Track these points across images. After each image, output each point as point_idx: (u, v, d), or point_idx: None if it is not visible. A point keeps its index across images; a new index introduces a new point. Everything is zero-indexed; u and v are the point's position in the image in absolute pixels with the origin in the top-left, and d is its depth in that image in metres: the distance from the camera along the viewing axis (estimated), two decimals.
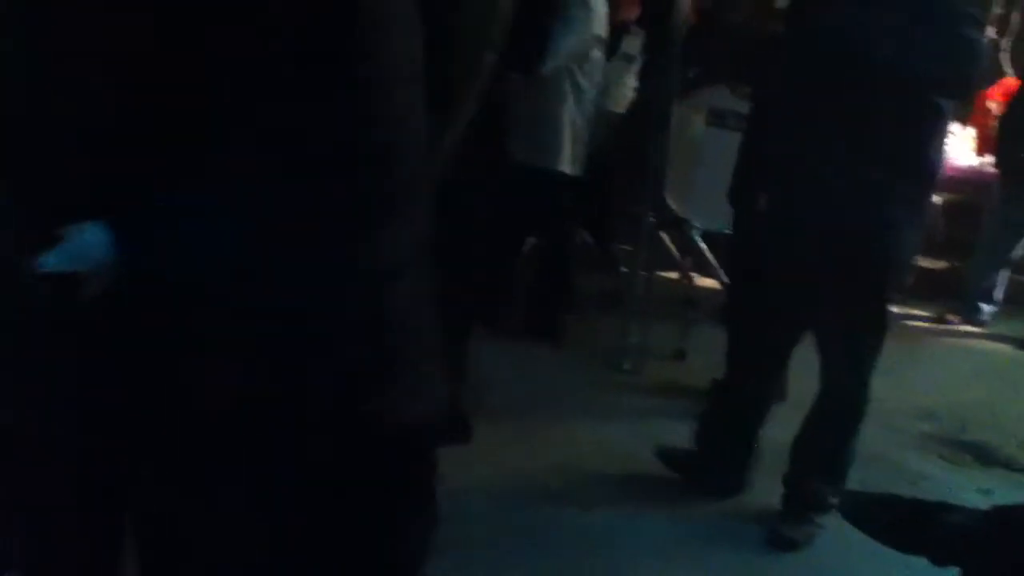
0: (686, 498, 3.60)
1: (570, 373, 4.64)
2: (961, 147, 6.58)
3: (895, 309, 3.72)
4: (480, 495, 3.36)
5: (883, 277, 3.27)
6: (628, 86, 5.58)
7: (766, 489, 3.54)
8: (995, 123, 6.58)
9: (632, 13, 5.41)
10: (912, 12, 3.00)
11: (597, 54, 4.70)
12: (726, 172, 4.36)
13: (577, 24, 4.49)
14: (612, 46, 5.09)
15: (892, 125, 3.10)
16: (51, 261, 1.48)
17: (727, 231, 5.00)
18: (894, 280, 3.33)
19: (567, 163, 4.64)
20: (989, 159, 6.51)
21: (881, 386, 3.42)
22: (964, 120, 6.64)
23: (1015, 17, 7.17)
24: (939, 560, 2.21)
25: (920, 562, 2.19)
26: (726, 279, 5.21)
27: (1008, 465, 4.13)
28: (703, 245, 5.20)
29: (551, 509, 3.41)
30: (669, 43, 4.57)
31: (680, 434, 3.78)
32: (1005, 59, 6.95)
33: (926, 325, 6.01)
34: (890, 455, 4.05)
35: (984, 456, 4.19)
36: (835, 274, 3.22)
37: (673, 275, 5.57)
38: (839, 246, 3.17)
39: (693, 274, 5.52)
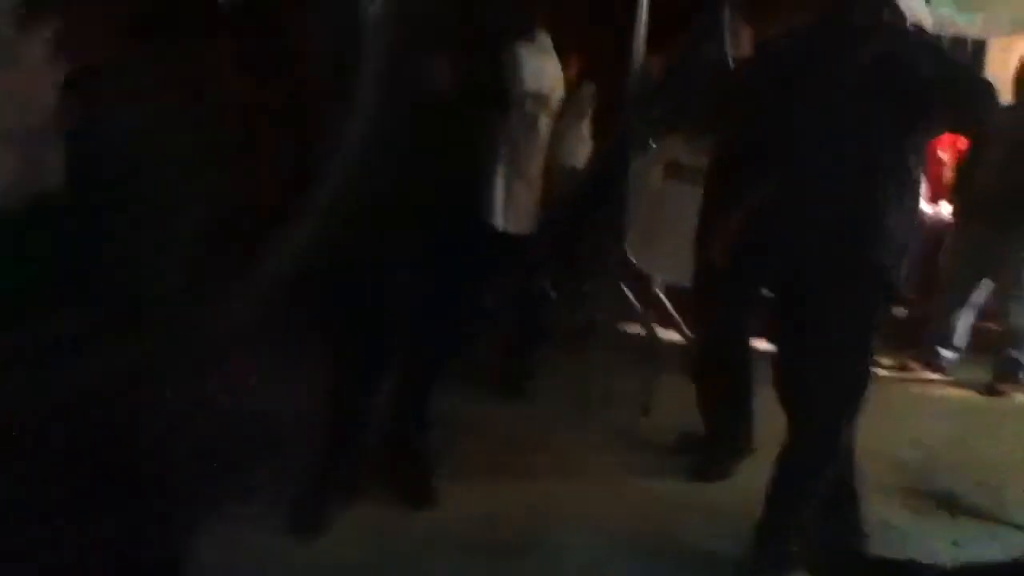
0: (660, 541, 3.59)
1: (534, 425, 4.61)
2: None
3: None
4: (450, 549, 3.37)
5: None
6: (583, 140, 5.60)
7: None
8: (947, 171, 6.67)
9: (577, 68, 5.44)
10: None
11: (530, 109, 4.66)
12: (685, 226, 4.41)
13: None
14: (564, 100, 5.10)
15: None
16: None
17: (687, 284, 5.05)
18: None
19: (501, 219, 4.58)
20: (944, 207, 6.59)
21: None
22: None
23: None
24: None
25: None
26: (690, 334, 5.22)
27: (975, 514, 4.11)
28: (664, 299, 5.18)
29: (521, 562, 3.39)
30: (621, 96, 4.58)
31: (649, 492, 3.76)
32: None
33: (888, 374, 6.01)
34: None
35: (951, 505, 4.16)
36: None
37: (636, 328, 5.55)
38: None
39: (655, 327, 5.50)
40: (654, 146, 5.02)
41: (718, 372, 4.23)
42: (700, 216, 4.08)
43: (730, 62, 4.23)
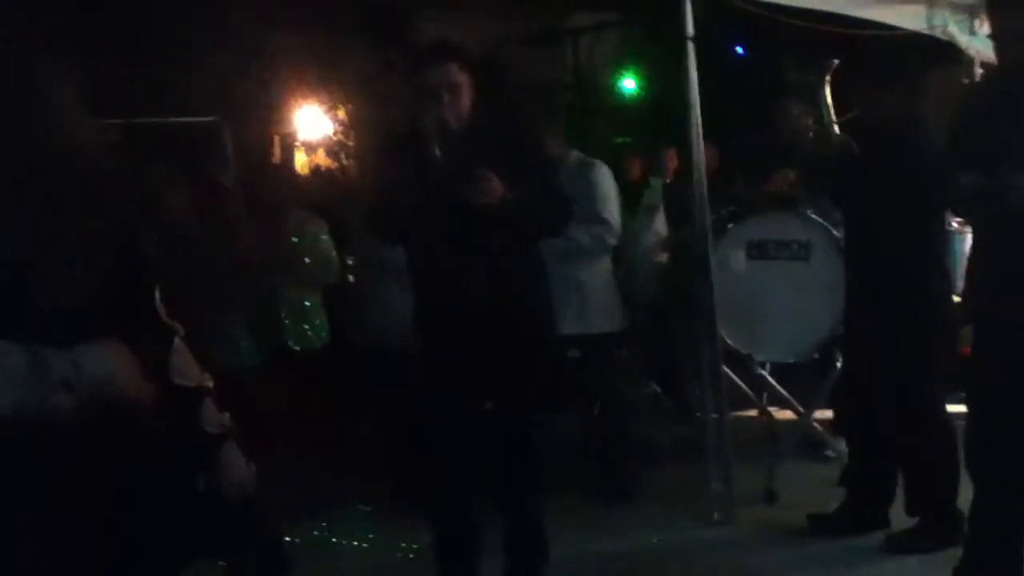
0: None
1: (653, 533, 4.44)
2: None
3: None
4: None
5: None
6: (659, 233, 5.61)
7: None
8: None
9: (641, 168, 5.50)
10: None
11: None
12: (777, 302, 4.33)
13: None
14: (633, 200, 5.15)
15: None
16: None
17: (790, 360, 4.93)
18: None
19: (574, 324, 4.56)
20: None
21: None
22: None
23: None
24: None
25: None
26: (802, 410, 5.07)
27: None
28: (770, 378, 5.05)
29: None
30: (689, 187, 4.56)
31: None
32: None
33: None
34: None
35: None
36: None
37: (751, 413, 5.41)
38: None
39: (771, 408, 5.36)
40: (731, 227, 4.98)
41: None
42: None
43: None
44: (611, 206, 4.73)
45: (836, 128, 4.21)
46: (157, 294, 2.17)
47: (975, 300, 3.40)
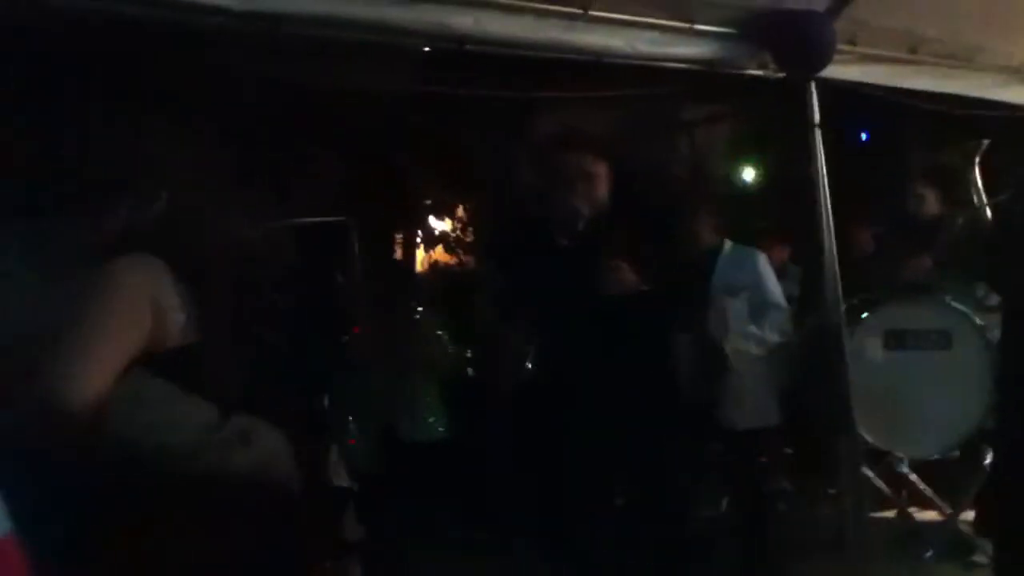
0: None
1: None
2: None
3: None
4: None
5: None
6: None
7: None
8: None
9: (781, 256, 5.38)
10: None
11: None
12: (917, 394, 4.13)
13: None
14: None
15: None
16: None
17: (933, 456, 4.67)
18: None
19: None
20: None
21: None
22: None
23: None
24: None
25: None
26: (949, 508, 4.80)
27: None
28: (913, 476, 4.80)
29: None
30: (823, 275, 4.42)
31: None
32: None
33: None
34: None
35: None
36: None
37: (889, 513, 5.13)
38: None
39: (911, 509, 5.08)
40: (866, 316, 4.80)
41: None
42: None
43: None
44: (780, 292, 4.62)
45: (988, 211, 4.04)
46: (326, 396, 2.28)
47: None
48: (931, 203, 4.93)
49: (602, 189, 3.43)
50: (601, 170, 3.44)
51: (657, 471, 3.39)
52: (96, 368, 1.84)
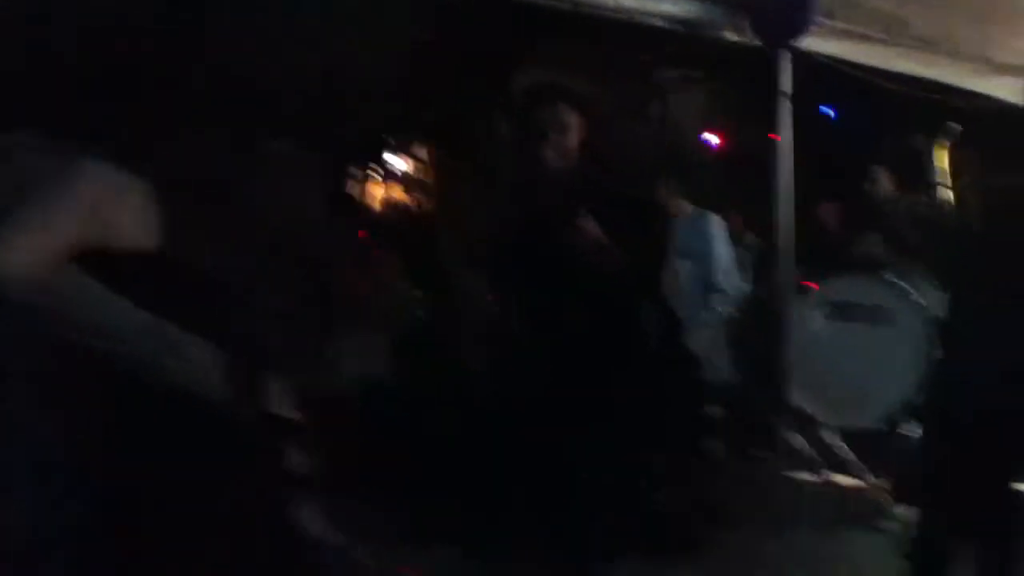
0: None
1: None
2: None
3: None
4: None
5: None
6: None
7: None
8: None
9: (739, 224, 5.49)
10: None
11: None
12: (852, 366, 4.26)
13: None
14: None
15: None
16: None
17: (864, 426, 4.84)
18: None
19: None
20: None
21: None
22: None
23: None
24: None
25: None
26: (872, 478, 4.97)
27: None
28: (841, 443, 4.96)
29: None
30: (777, 245, 4.54)
31: None
32: None
33: None
34: None
35: None
36: None
37: (813, 478, 5.30)
38: None
39: (835, 475, 5.25)
40: (815, 289, 4.93)
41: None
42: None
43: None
44: (730, 258, 4.70)
45: (947, 197, 4.16)
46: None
47: None
48: (889, 183, 5.04)
49: (574, 141, 3.46)
50: (574, 122, 3.46)
51: (610, 427, 3.46)
52: (29, 242, 1.88)
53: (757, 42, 4.41)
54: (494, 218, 3.44)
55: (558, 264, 3.31)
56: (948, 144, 4.33)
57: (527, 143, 3.43)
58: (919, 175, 4.49)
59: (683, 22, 4.29)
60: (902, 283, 4.80)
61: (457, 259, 3.80)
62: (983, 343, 3.84)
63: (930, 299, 4.66)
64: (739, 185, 6.19)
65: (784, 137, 4.51)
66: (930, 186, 4.42)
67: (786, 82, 4.47)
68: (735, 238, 5.95)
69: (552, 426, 3.37)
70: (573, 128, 3.44)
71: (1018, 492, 3.87)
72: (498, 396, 3.53)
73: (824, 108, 7.28)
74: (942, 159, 4.36)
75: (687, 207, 4.75)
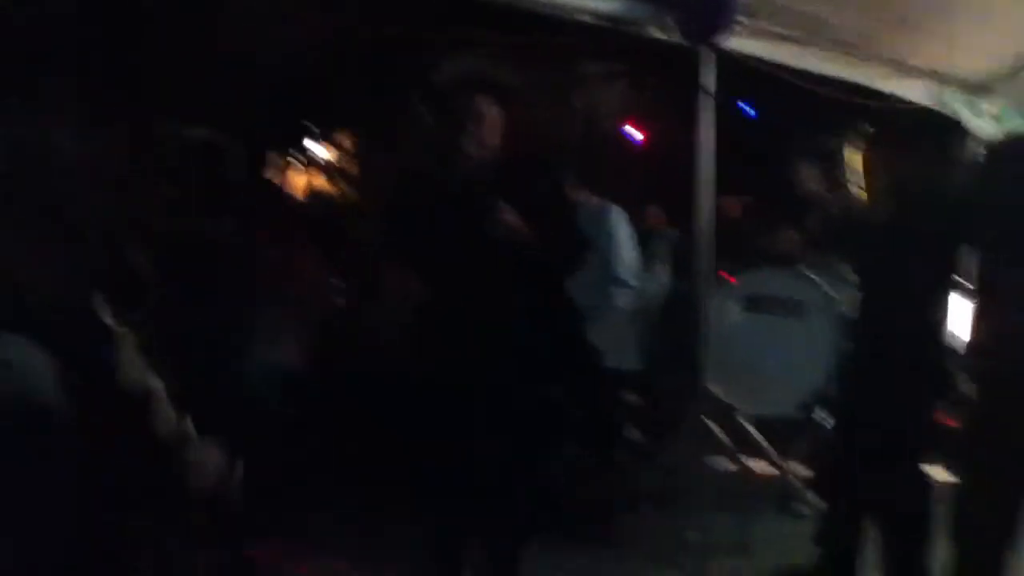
0: None
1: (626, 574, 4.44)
2: None
3: None
4: None
5: None
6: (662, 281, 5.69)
7: None
8: None
9: (659, 222, 5.59)
10: None
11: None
12: (770, 356, 4.38)
13: None
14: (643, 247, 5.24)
15: None
16: None
17: (774, 414, 4.98)
18: None
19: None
20: None
21: None
22: None
23: None
24: None
25: None
26: (785, 464, 5.12)
27: None
28: (753, 430, 5.10)
29: None
30: (697, 240, 4.64)
31: None
32: None
33: None
34: None
35: None
36: None
37: (726, 463, 5.44)
38: None
39: (748, 460, 5.40)
40: (733, 281, 5.05)
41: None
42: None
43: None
44: (627, 258, 4.77)
45: (861, 192, 4.29)
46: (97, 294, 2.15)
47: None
48: (807, 181, 5.17)
49: (495, 133, 3.49)
50: (495, 113, 3.50)
51: (514, 414, 3.50)
52: None
53: (681, 39, 4.48)
54: (413, 207, 3.45)
55: (478, 253, 3.34)
56: (861, 143, 4.46)
57: (446, 133, 3.44)
58: (833, 172, 4.61)
59: (609, 17, 4.34)
60: (815, 276, 4.95)
61: (377, 247, 3.80)
62: (888, 334, 4.00)
63: (840, 292, 4.80)
64: (660, 179, 6.30)
65: (705, 133, 4.60)
66: (842, 183, 4.54)
67: (708, 79, 4.56)
68: (656, 230, 6.07)
69: (470, 414, 3.41)
70: (493, 119, 3.47)
71: (924, 475, 4.03)
72: (419, 385, 3.55)
73: (744, 105, 7.43)
74: (855, 157, 4.48)
75: (591, 198, 4.81)
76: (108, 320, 2.12)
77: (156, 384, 2.18)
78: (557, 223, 3.49)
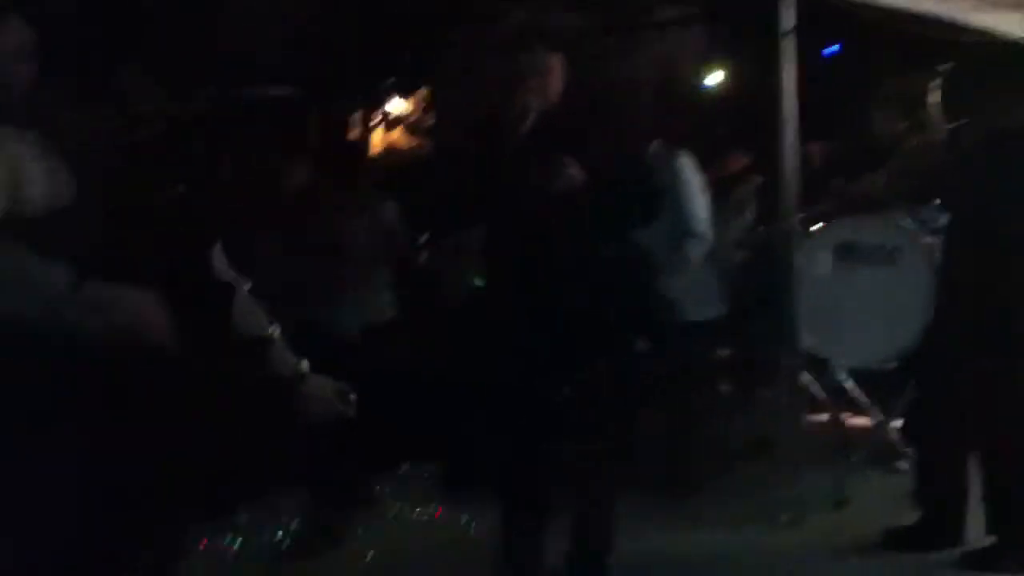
0: None
1: (718, 530, 4.39)
2: None
3: None
4: None
5: None
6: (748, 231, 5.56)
7: None
8: None
9: (738, 165, 5.45)
10: None
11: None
12: (861, 307, 4.24)
13: None
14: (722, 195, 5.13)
15: None
16: None
17: (872, 366, 4.84)
18: None
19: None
20: None
21: None
22: None
23: None
24: None
25: None
26: (879, 416, 4.99)
27: None
28: (851, 383, 4.97)
29: None
30: (781, 186, 4.50)
31: None
32: None
33: None
34: None
35: None
36: None
37: (822, 417, 5.32)
38: None
39: (844, 415, 5.27)
40: (817, 228, 4.91)
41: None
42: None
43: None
44: (695, 208, 4.66)
45: (949, 133, 4.12)
46: (217, 248, 2.27)
47: None
48: (889, 122, 5.00)
49: (555, 86, 3.40)
50: (557, 65, 3.41)
51: (603, 371, 3.45)
52: None
53: None
54: (473, 164, 3.40)
55: (541, 209, 3.28)
56: (947, 80, 4.28)
57: (508, 89, 3.37)
58: (917, 113, 4.44)
59: None
60: (907, 224, 4.79)
61: (440, 203, 3.77)
62: (982, 279, 3.83)
63: (933, 240, 4.64)
64: (743, 125, 6.15)
65: (787, 76, 4.46)
66: (930, 124, 4.36)
67: (788, 20, 4.40)
68: (740, 177, 5.92)
69: (549, 370, 3.37)
70: (553, 72, 3.38)
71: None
72: (492, 340, 3.51)
73: (826, 48, 7.21)
74: (936, 96, 4.31)
75: (661, 147, 4.68)
76: (227, 271, 2.29)
77: (273, 331, 2.34)
78: (623, 175, 3.40)
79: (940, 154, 4.18)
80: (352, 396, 2.46)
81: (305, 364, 2.39)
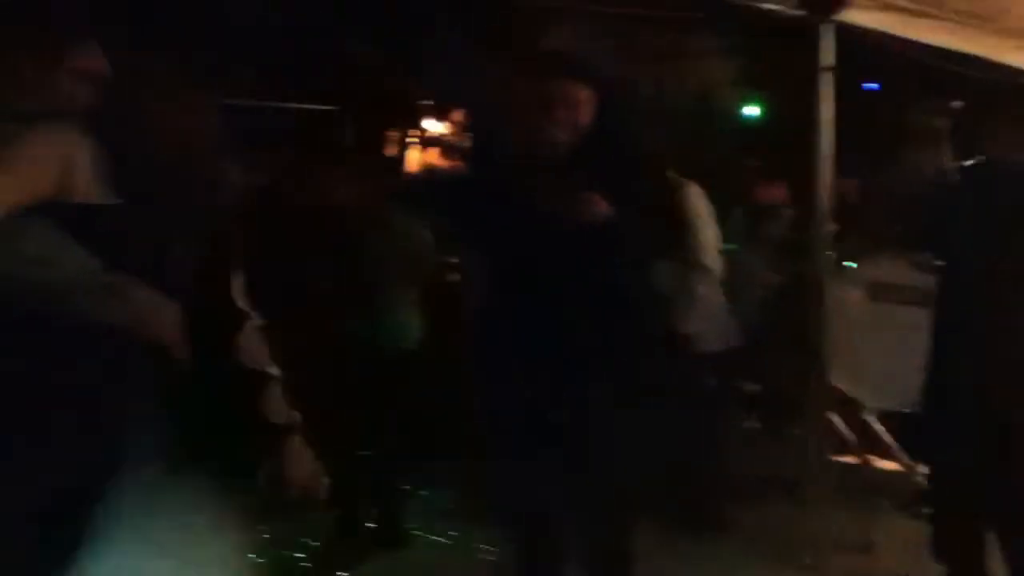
0: None
1: (739, 570, 4.30)
2: None
3: None
4: None
5: None
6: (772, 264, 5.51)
7: None
8: None
9: (773, 196, 5.39)
10: None
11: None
12: (897, 347, 4.17)
13: None
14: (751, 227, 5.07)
15: None
16: None
17: (901, 408, 4.75)
18: None
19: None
20: None
21: None
22: None
23: None
24: None
25: None
26: (908, 461, 4.90)
27: None
28: (879, 426, 4.88)
29: None
30: (816, 220, 4.43)
31: None
32: None
33: None
34: None
35: None
36: None
37: (850, 459, 5.23)
38: None
39: (872, 457, 5.18)
40: (852, 266, 4.84)
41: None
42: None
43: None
44: (704, 239, 4.62)
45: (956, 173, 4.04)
46: (237, 278, 2.28)
47: None
48: (924, 161, 4.91)
49: (584, 117, 3.35)
50: (584, 96, 3.36)
51: (621, 397, 3.40)
52: None
53: (800, 12, 4.29)
54: (500, 199, 3.35)
55: (564, 241, 3.23)
56: (987, 119, 4.20)
57: (534, 119, 3.31)
58: (953, 151, 4.36)
59: None
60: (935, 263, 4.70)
61: (459, 233, 3.75)
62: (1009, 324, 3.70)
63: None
64: (778, 157, 6.11)
65: (825, 109, 4.41)
66: (961, 163, 4.29)
67: (828, 54, 4.36)
68: (772, 208, 5.86)
69: (568, 400, 3.31)
70: (582, 103, 3.32)
71: None
72: (511, 368, 3.44)
73: (862, 81, 7.17)
74: (979, 134, 4.24)
75: (674, 178, 4.63)
76: (241, 304, 2.28)
77: (274, 371, 2.30)
78: (637, 209, 3.34)
79: (968, 196, 4.08)
80: (326, 482, 2.40)
81: (297, 416, 2.34)
